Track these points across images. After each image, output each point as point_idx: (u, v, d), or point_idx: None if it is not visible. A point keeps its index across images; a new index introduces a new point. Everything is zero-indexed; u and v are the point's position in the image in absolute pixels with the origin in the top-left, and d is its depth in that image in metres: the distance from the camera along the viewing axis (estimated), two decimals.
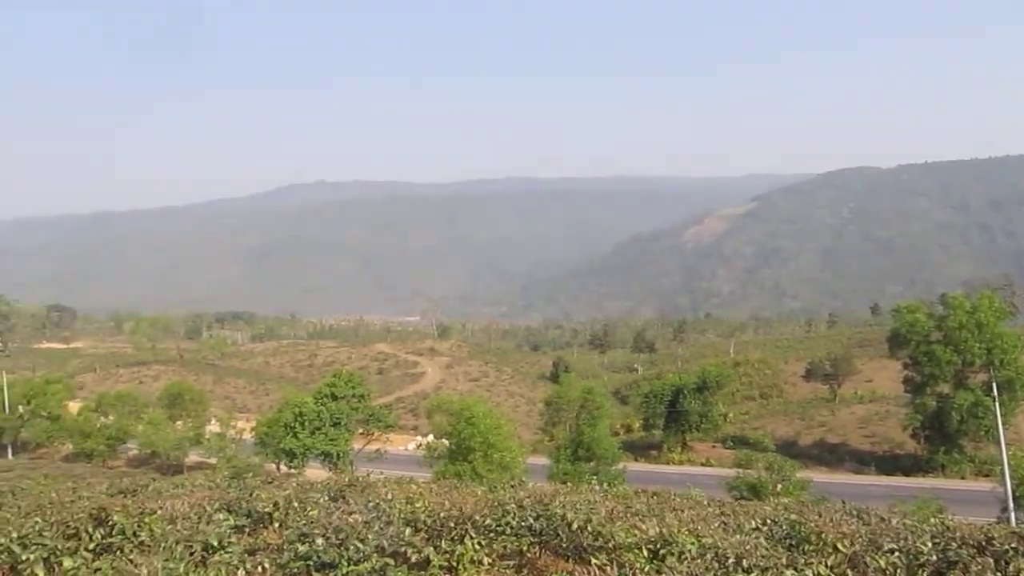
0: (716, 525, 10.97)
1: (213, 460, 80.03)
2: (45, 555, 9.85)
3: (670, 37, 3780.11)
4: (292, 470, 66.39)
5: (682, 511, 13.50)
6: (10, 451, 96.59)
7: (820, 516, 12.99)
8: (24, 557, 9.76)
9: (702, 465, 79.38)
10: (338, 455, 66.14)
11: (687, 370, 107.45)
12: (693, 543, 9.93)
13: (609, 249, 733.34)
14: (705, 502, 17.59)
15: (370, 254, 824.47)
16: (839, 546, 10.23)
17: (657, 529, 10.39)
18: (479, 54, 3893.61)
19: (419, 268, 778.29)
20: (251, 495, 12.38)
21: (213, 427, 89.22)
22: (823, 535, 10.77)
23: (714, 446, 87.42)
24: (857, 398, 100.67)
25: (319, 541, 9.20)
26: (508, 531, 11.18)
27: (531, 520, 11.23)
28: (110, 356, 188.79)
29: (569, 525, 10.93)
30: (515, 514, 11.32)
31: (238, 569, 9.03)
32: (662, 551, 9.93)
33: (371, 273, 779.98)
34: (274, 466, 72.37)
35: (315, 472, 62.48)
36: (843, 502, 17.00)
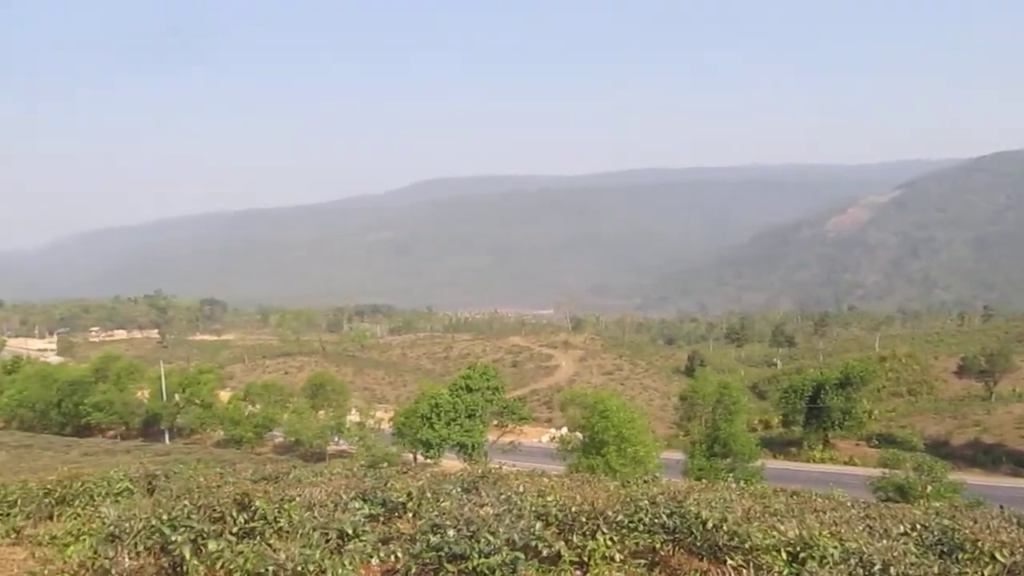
0: (861, 528, 10.44)
1: (353, 449, 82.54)
2: (192, 537, 10.29)
3: (809, 21, 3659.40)
4: (428, 460, 67.80)
5: (824, 512, 12.95)
6: (167, 436, 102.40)
7: (975, 522, 12.15)
8: (173, 539, 10.23)
9: (845, 464, 76.51)
10: (473, 446, 67.07)
11: (829, 365, 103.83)
12: (835, 547, 9.47)
13: (746, 240, 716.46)
14: (848, 503, 16.85)
15: (504, 248, 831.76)
16: (997, 555, 9.54)
17: (797, 531, 9.98)
18: (609, 45, 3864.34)
19: (552, 261, 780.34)
20: (386, 484, 12.61)
21: (353, 417, 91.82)
22: (979, 543, 10.05)
23: (858, 444, 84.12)
24: (1016, 396, 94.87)
25: (451, 532, 9.24)
26: (640, 528, 10.98)
27: (664, 517, 11.00)
28: (257, 348, 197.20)
29: (704, 523, 10.64)
30: (648, 510, 11.11)
31: (372, 557, 9.20)
32: (802, 554, 9.53)
33: (505, 267, 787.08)
34: (411, 456, 74.07)
35: (451, 463, 63.60)
36: (1001, 507, 16.00)
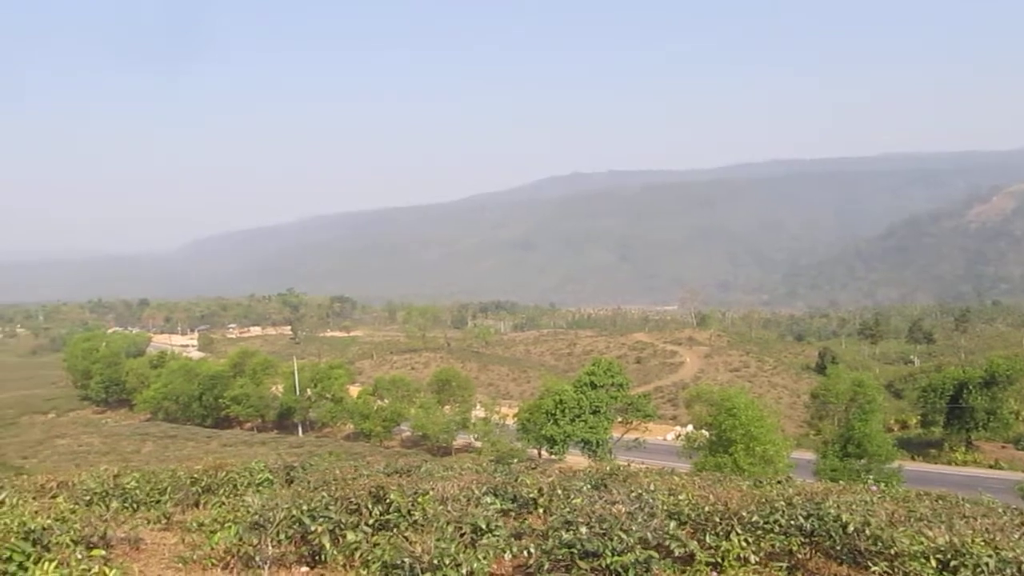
0: (1018, 536, 9.83)
1: (479, 444, 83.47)
2: (330, 528, 10.59)
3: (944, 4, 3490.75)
4: (553, 456, 67.94)
5: (974, 518, 12.28)
6: (300, 429, 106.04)
7: None
8: (312, 528, 10.56)
9: (990, 467, 72.57)
10: (597, 443, 66.77)
11: (972, 363, 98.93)
12: (990, 556, 8.96)
13: (880, 232, 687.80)
14: (1000, 509, 15.95)
15: (627, 243, 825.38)
16: None
17: (947, 537, 9.48)
18: (741, 41, 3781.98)
19: (677, 257, 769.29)
20: (516, 480, 12.68)
21: (478, 412, 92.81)
22: None
23: (1004, 447, 79.78)
24: None
25: (583, 530, 9.20)
26: (776, 529, 10.70)
27: (801, 519, 10.68)
28: (384, 344, 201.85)
29: (844, 527, 10.28)
30: (784, 512, 10.81)
31: (505, 552, 9.25)
32: (953, 563, 9.06)
33: (628, 263, 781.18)
34: (535, 451, 74.35)
35: (575, 459, 63.58)
36: None
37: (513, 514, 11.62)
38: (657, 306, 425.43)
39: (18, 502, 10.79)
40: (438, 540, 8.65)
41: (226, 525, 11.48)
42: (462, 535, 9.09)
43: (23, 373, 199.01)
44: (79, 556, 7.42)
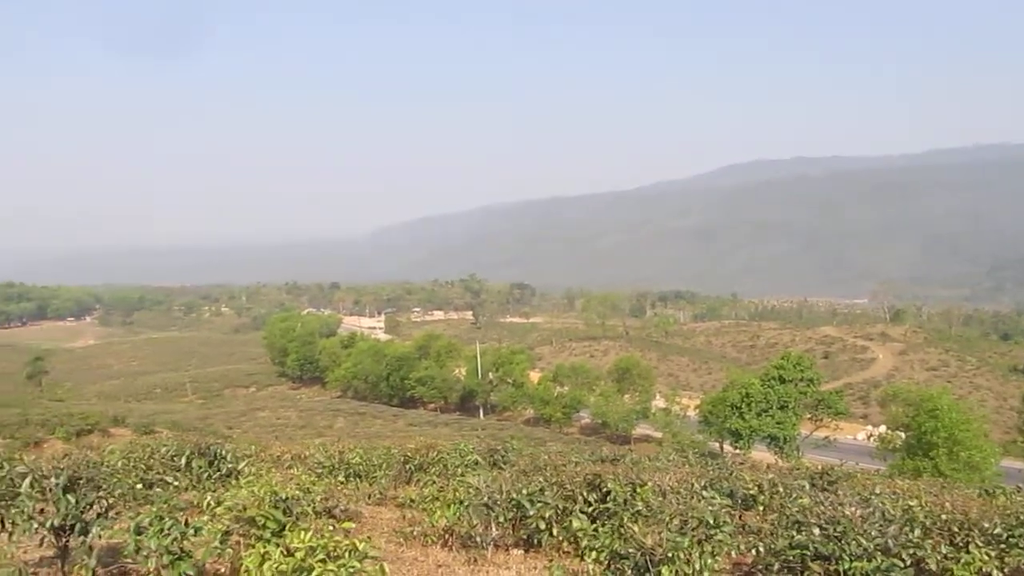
0: None
1: (659, 434, 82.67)
2: (549, 513, 10.66)
3: None
4: (737, 450, 66.36)
5: None
6: (481, 412, 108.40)
7: None
8: (531, 513, 10.66)
9: None
10: (785, 439, 64.75)
11: None
12: None
13: None
14: None
15: (813, 233, 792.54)
16: None
17: None
18: (943, 17, 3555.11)
19: (867, 247, 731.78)
20: (731, 475, 12.36)
21: (658, 402, 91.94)
22: None
23: None
24: None
25: (816, 531, 8.83)
26: (1022, 544, 9.92)
27: None
28: (563, 331, 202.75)
29: None
30: None
31: (732, 549, 9.01)
32: None
33: (814, 253, 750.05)
34: (717, 445, 72.92)
35: (760, 455, 61.89)
36: None
37: (729, 510, 11.32)
38: (845, 299, 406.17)
39: (262, 472, 11.52)
40: (669, 533, 8.52)
41: (445, 504, 11.79)
42: (694, 529, 8.89)
43: (227, 349, 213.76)
44: (331, 527, 7.77)
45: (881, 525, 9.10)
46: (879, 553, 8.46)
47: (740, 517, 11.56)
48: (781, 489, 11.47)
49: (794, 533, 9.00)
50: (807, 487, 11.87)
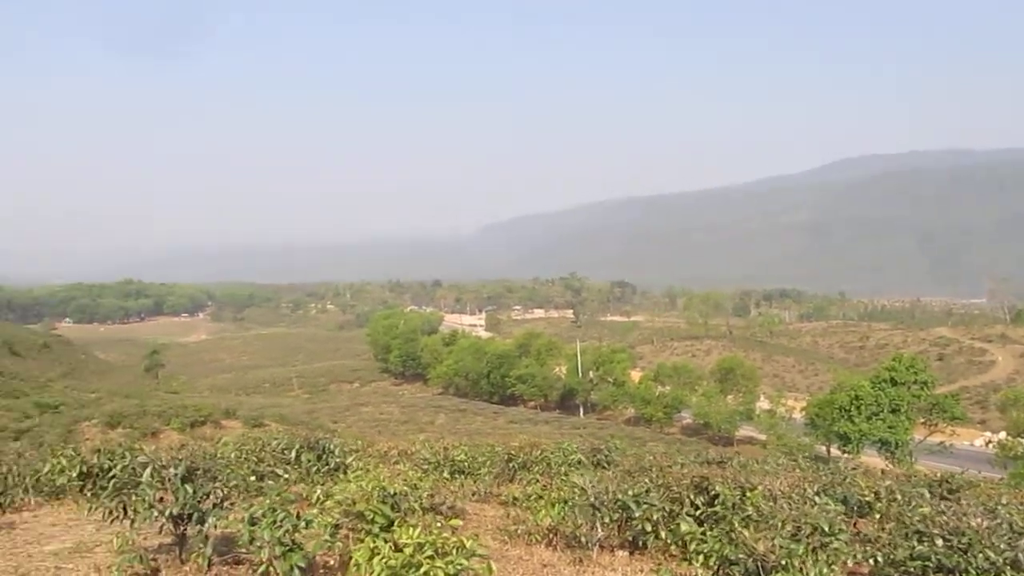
0: None
1: (762, 436, 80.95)
2: (656, 515, 10.48)
3: None
4: (845, 455, 64.45)
5: None
6: (581, 410, 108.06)
7: None
8: (637, 514, 10.49)
9: None
10: (896, 444, 62.56)
11: None
12: None
13: None
14: None
15: (928, 230, 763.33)
16: None
17: None
18: None
19: (985, 245, 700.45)
20: (844, 480, 11.94)
21: (763, 403, 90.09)
22: None
23: None
24: None
25: (938, 542, 8.44)
26: None
27: None
28: (665, 329, 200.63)
29: None
30: None
31: (849, 558, 8.68)
32: None
33: (929, 251, 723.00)
34: (824, 448, 70.97)
35: (869, 459, 59.89)
36: None
37: (843, 517, 10.93)
38: (962, 299, 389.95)
39: (369, 467, 11.68)
40: (781, 539, 8.26)
41: (549, 503, 11.73)
42: (809, 536, 8.59)
43: (332, 345, 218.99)
44: (438, 524, 7.80)
45: (1010, 538, 8.63)
46: (1008, 568, 8.02)
47: (855, 525, 11.16)
48: (899, 497, 11.01)
49: (915, 543, 8.61)
50: (926, 495, 11.37)
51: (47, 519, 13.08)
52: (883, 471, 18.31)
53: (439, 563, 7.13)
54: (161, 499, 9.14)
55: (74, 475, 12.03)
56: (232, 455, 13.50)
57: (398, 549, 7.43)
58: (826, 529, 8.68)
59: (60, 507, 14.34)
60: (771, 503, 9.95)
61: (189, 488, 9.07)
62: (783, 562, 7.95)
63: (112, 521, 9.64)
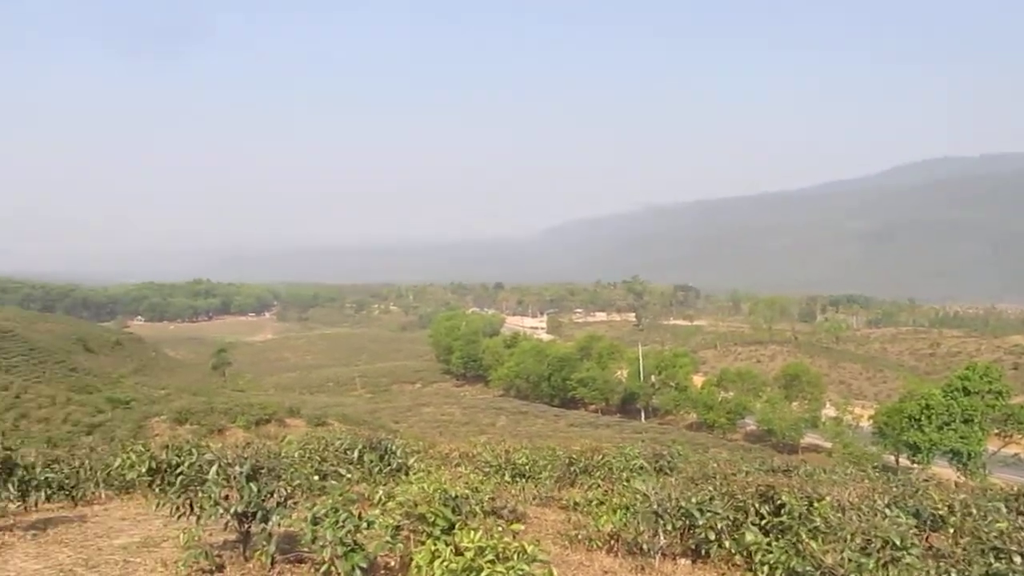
0: None
1: (828, 444, 79.47)
2: (720, 524, 10.29)
3: None
4: (915, 465, 62.94)
5: None
6: (643, 415, 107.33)
7: None
8: (700, 523, 10.32)
9: None
10: (969, 455, 60.89)
11: None
12: None
13: None
14: None
15: (1003, 236, 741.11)
16: None
17: None
18: None
19: None
20: (916, 493, 11.60)
21: (828, 411, 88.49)
22: None
23: None
24: None
25: (1017, 560, 8.13)
26: None
27: None
28: (728, 334, 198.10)
29: None
30: None
31: (922, 574, 8.40)
32: None
33: (1003, 256, 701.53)
34: (892, 458, 69.42)
35: (940, 471, 58.36)
36: None
37: (914, 531, 10.60)
38: None
39: (431, 468, 11.72)
40: (851, 552, 8.04)
41: (610, 508, 11.62)
42: (880, 550, 8.34)
43: (394, 346, 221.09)
44: (500, 528, 7.76)
45: None
46: None
47: (927, 539, 10.81)
48: (974, 511, 10.64)
49: (991, 560, 8.31)
50: (1003, 509, 10.97)
51: (117, 513, 13.37)
52: (956, 483, 17.76)
53: (500, 568, 7.07)
54: (226, 496, 9.27)
55: (143, 470, 12.34)
56: (296, 454, 13.66)
57: (459, 553, 7.40)
58: (897, 543, 8.42)
59: (129, 501, 14.66)
60: (839, 514, 9.69)
61: (254, 486, 9.18)
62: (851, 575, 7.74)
63: (179, 517, 9.82)
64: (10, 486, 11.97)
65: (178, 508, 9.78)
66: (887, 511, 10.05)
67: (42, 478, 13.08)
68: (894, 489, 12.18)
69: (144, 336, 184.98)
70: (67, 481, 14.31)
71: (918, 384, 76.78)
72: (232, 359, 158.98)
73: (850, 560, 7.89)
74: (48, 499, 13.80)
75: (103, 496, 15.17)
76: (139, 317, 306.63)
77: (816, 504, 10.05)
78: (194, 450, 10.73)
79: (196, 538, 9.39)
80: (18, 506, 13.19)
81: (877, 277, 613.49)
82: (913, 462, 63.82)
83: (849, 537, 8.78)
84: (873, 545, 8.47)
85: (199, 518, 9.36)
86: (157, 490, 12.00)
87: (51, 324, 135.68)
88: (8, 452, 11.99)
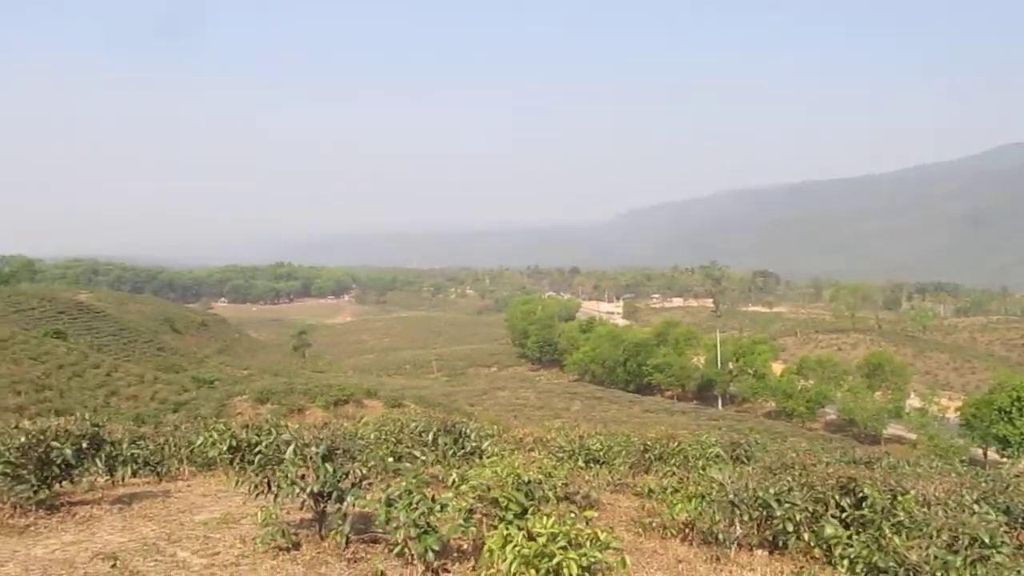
0: None
1: (912, 436, 77.53)
2: (798, 515, 10.05)
3: None
4: (1005, 459, 61.00)
5: None
6: (719, 402, 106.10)
7: None
8: (778, 514, 10.10)
9: None
10: None
11: None
12: None
13: None
14: None
15: None
16: None
17: None
18: None
19: None
20: (1007, 489, 11.16)
21: (913, 401, 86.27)
22: None
23: None
24: None
25: None
26: None
27: None
28: (809, 321, 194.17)
29: None
30: None
31: (1013, 574, 8.08)
32: None
33: None
34: (980, 451, 67.39)
35: None
36: None
37: (1005, 528, 10.20)
38: None
39: (505, 453, 11.72)
40: (936, 549, 7.76)
41: (685, 496, 11.46)
42: (967, 547, 8.05)
43: (470, 330, 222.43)
44: (572, 514, 7.71)
45: None
46: None
47: (1019, 538, 10.41)
48: None
49: None
50: None
51: (199, 489, 13.73)
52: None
53: (572, 554, 7.02)
54: (303, 476, 9.43)
55: (224, 448, 12.65)
56: (372, 436, 13.82)
57: (531, 538, 7.37)
58: (986, 541, 8.10)
59: (211, 478, 15.05)
60: (925, 509, 9.39)
61: (329, 467, 9.32)
62: (938, 574, 7.47)
63: (257, 495, 10.03)
64: (98, 461, 12.40)
65: (256, 486, 10.00)
66: (975, 507, 9.68)
67: (128, 454, 13.52)
68: (983, 484, 11.76)
69: (227, 317, 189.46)
70: (152, 457, 14.77)
71: (1009, 375, 74.09)
72: (312, 341, 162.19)
73: (935, 557, 7.62)
74: (134, 474, 14.27)
75: (186, 472, 15.61)
76: (223, 299, 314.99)
77: (900, 498, 9.74)
78: (272, 430, 10.93)
79: (273, 516, 9.59)
80: (106, 480, 13.66)
81: (968, 264, 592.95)
82: (1003, 456, 61.84)
83: (935, 533, 8.50)
84: (960, 542, 8.18)
85: (276, 496, 9.55)
86: (237, 468, 12.29)
87: (140, 305, 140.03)
88: (96, 428, 12.40)
